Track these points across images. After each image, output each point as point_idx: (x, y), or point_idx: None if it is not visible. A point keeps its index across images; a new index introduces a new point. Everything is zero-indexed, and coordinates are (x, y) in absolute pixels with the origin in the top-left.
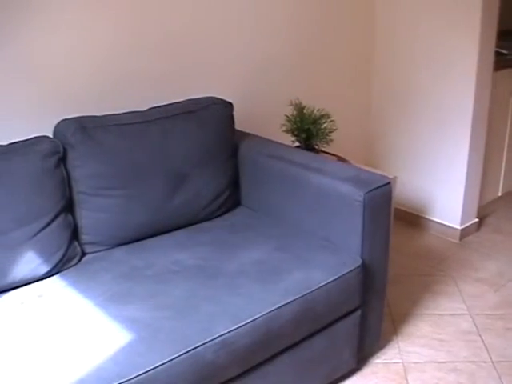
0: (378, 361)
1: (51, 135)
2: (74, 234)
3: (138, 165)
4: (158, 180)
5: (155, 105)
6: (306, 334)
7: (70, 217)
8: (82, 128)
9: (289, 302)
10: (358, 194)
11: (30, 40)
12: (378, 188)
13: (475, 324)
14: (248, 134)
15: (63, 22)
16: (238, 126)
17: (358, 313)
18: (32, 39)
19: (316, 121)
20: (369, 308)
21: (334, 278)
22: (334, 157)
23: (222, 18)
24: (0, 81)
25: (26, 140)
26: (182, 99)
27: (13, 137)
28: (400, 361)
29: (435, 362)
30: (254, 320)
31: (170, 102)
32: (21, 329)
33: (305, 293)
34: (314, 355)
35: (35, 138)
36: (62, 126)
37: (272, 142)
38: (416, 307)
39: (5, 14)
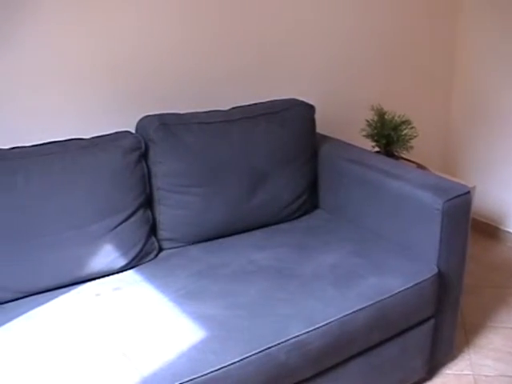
0: (448, 372)
1: (133, 131)
2: (152, 230)
3: (218, 163)
4: (238, 179)
5: (237, 105)
6: (378, 340)
7: (148, 212)
8: (164, 125)
9: (363, 308)
10: (437, 202)
11: (118, 38)
12: (457, 197)
13: None
14: (328, 137)
15: (150, 19)
16: (318, 129)
17: (432, 322)
18: (121, 37)
19: (397, 127)
20: (442, 318)
21: (409, 285)
22: (413, 164)
23: (306, 20)
24: (87, 76)
25: (109, 135)
26: (263, 100)
27: (95, 131)
28: (471, 373)
29: (507, 377)
30: (327, 323)
31: (252, 103)
32: (95, 320)
33: (379, 299)
34: (385, 362)
35: (118, 132)
36: (144, 122)
37: (352, 146)
38: (490, 319)
39: (94, 14)
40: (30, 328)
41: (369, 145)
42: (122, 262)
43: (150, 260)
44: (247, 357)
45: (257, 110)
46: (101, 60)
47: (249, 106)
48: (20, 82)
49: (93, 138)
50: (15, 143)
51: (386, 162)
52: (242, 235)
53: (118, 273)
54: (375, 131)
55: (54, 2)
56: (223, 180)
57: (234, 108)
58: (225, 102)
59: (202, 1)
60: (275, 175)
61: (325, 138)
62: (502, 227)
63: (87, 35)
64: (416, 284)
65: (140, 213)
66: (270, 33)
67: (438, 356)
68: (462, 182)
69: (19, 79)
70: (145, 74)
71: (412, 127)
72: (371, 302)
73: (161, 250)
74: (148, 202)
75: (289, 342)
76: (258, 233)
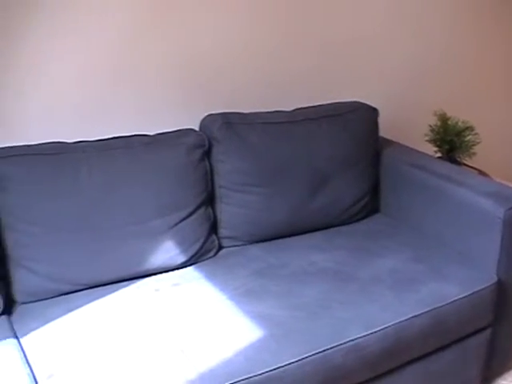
0: (504, 382)
1: (196, 128)
2: (213, 228)
3: (280, 164)
4: (300, 180)
5: (300, 106)
6: (434, 347)
7: (210, 210)
8: (227, 123)
9: (421, 314)
10: (498, 211)
11: (187, 38)
12: None
13: None
14: (391, 141)
15: (218, 20)
16: (381, 133)
17: (489, 331)
18: (190, 37)
19: (460, 133)
20: (500, 327)
21: (467, 293)
22: (475, 170)
23: (371, 22)
24: (155, 73)
25: (173, 132)
26: (327, 102)
27: (159, 127)
28: None
29: None
30: (385, 328)
31: (315, 104)
32: (154, 315)
33: (437, 306)
34: (440, 369)
35: (182, 130)
36: (208, 121)
37: (415, 150)
38: None
39: (155, 13)
40: (90, 320)
41: (431, 150)
42: (181, 259)
43: (209, 257)
44: (304, 358)
45: (320, 111)
46: (169, 59)
47: (312, 107)
48: (89, 78)
49: (157, 134)
50: (80, 137)
51: (448, 168)
52: (301, 236)
53: (177, 269)
54: (438, 136)
55: (129, 3)
56: (285, 180)
57: (297, 109)
58: (288, 103)
59: (269, 3)
60: (337, 177)
61: (387, 141)
62: None
63: (160, 36)
64: (474, 292)
65: (201, 210)
66: (335, 35)
67: (494, 366)
68: None
69: (90, 75)
70: (210, 73)
71: (475, 133)
72: (428, 309)
73: (221, 248)
74: (209, 200)
75: (346, 344)
76: (317, 234)
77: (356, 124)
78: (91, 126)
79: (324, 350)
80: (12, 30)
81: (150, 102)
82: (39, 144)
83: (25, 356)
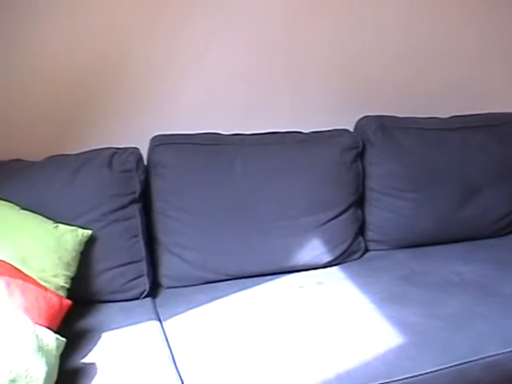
0: None
1: (351, 130)
2: (361, 230)
3: (432, 171)
4: (451, 189)
5: (454, 114)
6: None
7: (359, 212)
8: (382, 127)
9: None
10: None
11: (347, 38)
12: None
13: None
14: None
15: (382, 22)
16: None
17: None
18: (350, 38)
19: None
20: None
21: None
22: None
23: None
24: (313, 72)
25: (327, 131)
26: (482, 111)
27: (314, 126)
28: None
29: None
30: None
31: (471, 113)
32: (296, 312)
33: None
34: None
35: (336, 130)
36: (363, 123)
37: None
38: None
39: (317, 14)
40: (232, 310)
41: None
42: (327, 258)
43: (354, 259)
44: (442, 368)
45: (476, 121)
46: (329, 59)
47: (468, 116)
48: (248, 73)
49: (311, 132)
50: (235, 130)
51: None
52: (447, 245)
53: (322, 268)
54: None
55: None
56: (435, 188)
57: (453, 117)
58: (443, 111)
59: (430, 11)
60: (488, 189)
61: None
62: None
63: (322, 36)
64: None
65: (351, 211)
66: (493, 46)
67: None
68: None
69: (249, 71)
70: (368, 76)
71: None
72: None
73: (366, 250)
74: (359, 202)
75: (484, 360)
76: (463, 245)
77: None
78: (247, 120)
79: (462, 363)
80: (176, 23)
81: (307, 100)
82: (196, 134)
83: (166, 339)
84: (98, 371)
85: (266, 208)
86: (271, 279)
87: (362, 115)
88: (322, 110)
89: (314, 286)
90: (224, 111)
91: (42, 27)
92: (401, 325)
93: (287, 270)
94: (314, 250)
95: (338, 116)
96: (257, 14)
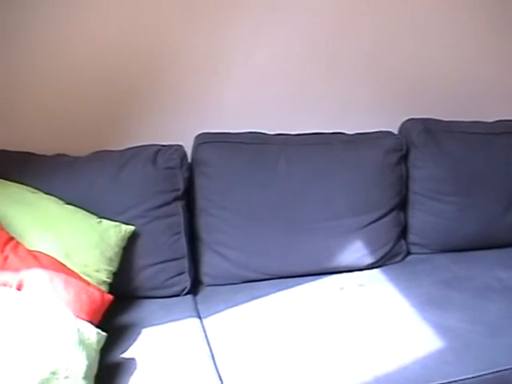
0: None
1: (395, 132)
2: (403, 233)
3: (476, 175)
4: (495, 194)
5: (499, 118)
6: None
7: (401, 215)
8: (427, 130)
9: None
10: None
11: (391, 41)
12: None
13: None
14: None
15: (425, 26)
16: None
17: None
18: (396, 40)
19: None
20: None
21: None
22: None
23: None
24: (359, 74)
25: (372, 133)
26: None
27: (358, 127)
28: None
29: None
30: None
31: None
32: (336, 313)
33: None
34: None
35: (381, 132)
36: (407, 125)
37: None
38: None
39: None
40: (272, 310)
41: None
42: (369, 260)
43: (396, 262)
44: (481, 375)
45: None
46: (376, 60)
47: None
48: (294, 73)
49: (355, 134)
50: (280, 130)
51: None
52: (489, 251)
53: (363, 270)
54: None
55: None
56: (479, 192)
57: (498, 121)
58: (488, 115)
59: (473, 12)
60: None
61: None
62: None
63: (366, 39)
64: None
65: (394, 214)
66: None
67: None
68: None
69: (296, 70)
70: (414, 78)
71: None
72: None
73: (408, 253)
74: (402, 205)
75: None
76: (506, 251)
77: None
78: (291, 119)
79: (501, 370)
80: (222, 20)
81: (352, 102)
82: (240, 133)
83: (206, 336)
84: (138, 366)
85: (309, 208)
86: (312, 280)
87: (406, 118)
88: (366, 111)
89: (355, 287)
90: (269, 110)
91: (92, 24)
92: (440, 329)
93: (328, 270)
94: (356, 251)
95: (382, 118)
96: (304, 13)
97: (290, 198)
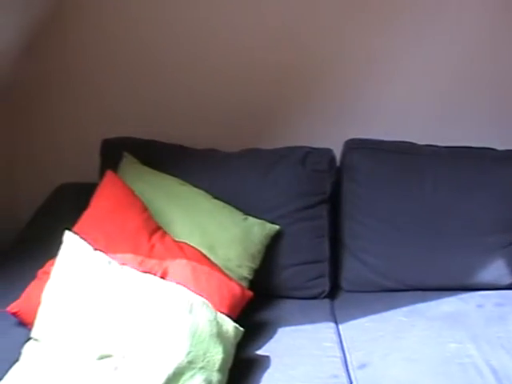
0: None
1: None
2: None
3: None
4: None
5: None
6: None
7: None
8: None
9: None
10: None
11: None
12: None
13: None
14: None
15: None
16: None
17: None
18: None
19: None
20: None
21: None
22: None
23: None
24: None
25: None
26: None
27: (509, 144)
28: None
29: None
30: None
31: None
32: (473, 332)
33: None
34: None
35: None
36: None
37: None
38: None
39: None
40: (411, 321)
41: None
42: (509, 280)
43: None
44: None
45: None
46: None
47: None
48: (449, 83)
49: (507, 150)
50: (429, 141)
51: None
52: None
53: (503, 289)
54: None
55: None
56: None
57: None
58: None
59: None
60: None
61: None
62: None
63: None
64: None
65: None
66: None
67: None
68: None
69: (450, 80)
70: None
71: None
72: None
73: None
74: None
75: None
76: None
77: None
78: (441, 131)
79: None
80: (378, 30)
81: (504, 118)
82: (390, 141)
83: (340, 341)
84: (271, 364)
85: (454, 223)
86: (449, 295)
87: None
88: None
89: (493, 306)
90: (420, 121)
91: (248, 24)
92: None
93: (466, 287)
94: (497, 270)
95: None
96: (461, 27)
97: (436, 211)
